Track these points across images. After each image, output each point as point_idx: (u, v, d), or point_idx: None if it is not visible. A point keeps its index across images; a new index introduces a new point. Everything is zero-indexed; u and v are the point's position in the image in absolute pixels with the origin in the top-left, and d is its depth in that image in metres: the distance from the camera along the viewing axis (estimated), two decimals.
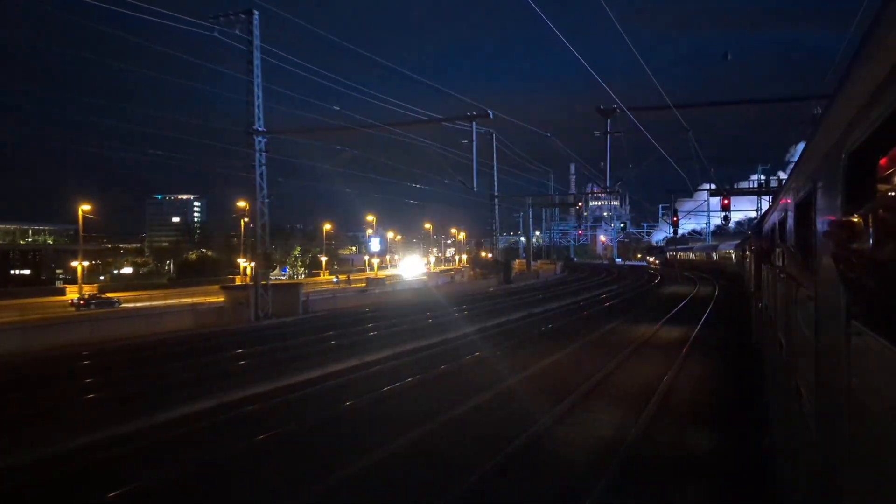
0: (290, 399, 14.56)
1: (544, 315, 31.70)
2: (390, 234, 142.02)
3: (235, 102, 33.77)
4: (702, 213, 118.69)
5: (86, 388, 16.09)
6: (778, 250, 6.14)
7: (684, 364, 17.25)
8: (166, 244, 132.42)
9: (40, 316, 35.54)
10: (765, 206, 41.60)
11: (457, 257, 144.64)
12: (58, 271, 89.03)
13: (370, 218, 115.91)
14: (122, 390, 15.71)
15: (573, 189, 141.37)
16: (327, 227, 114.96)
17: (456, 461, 9.78)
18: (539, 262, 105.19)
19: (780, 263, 5.71)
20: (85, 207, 73.42)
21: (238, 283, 62.68)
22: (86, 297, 55.85)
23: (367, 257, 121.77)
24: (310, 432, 11.88)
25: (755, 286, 13.50)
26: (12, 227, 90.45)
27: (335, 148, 39.65)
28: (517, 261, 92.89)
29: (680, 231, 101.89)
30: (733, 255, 51.06)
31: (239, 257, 78.66)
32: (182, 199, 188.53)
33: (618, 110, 27.62)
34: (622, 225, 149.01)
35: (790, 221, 4.40)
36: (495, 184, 62.66)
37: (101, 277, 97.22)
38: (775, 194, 24.28)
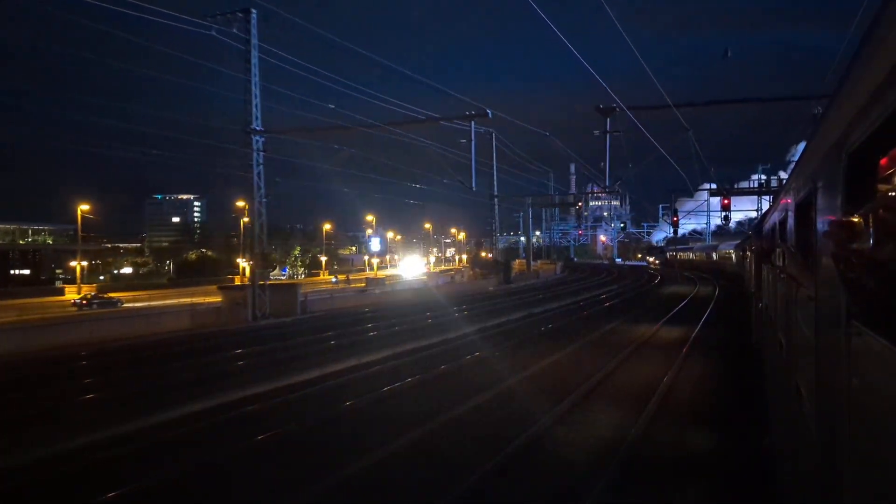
0: (289, 399, 14.56)
1: (544, 315, 31.70)
2: (390, 234, 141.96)
3: (235, 102, 33.82)
4: (702, 213, 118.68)
5: (85, 388, 16.08)
6: (778, 250, 6.15)
7: (684, 364, 17.25)
8: (166, 244, 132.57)
9: (41, 316, 35.54)
10: (765, 206, 41.63)
11: (457, 257, 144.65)
12: (57, 271, 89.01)
13: (370, 218, 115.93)
14: (121, 390, 15.73)
15: (573, 189, 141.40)
16: (327, 227, 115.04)
17: (456, 461, 9.78)
18: (539, 262, 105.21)
19: (781, 263, 5.71)
20: (83, 207, 73.50)
21: (237, 283, 62.67)
22: (88, 297, 55.89)
23: (366, 257, 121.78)
24: (310, 432, 11.89)
25: (755, 286, 13.51)
26: (12, 226, 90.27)
27: (334, 147, 39.68)
28: (517, 261, 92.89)
29: (680, 231, 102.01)
30: (733, 255, 51.09)
31: (239, 257, 78.64)
32: (182, 199, 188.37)
33: (617, 109, 27.63)
34: (622, 225, 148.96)
35: (790, 221, 4.41)
36: (495, 184, 62.71)
37: (101, 277, 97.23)
38: (775, 194, 24.31)
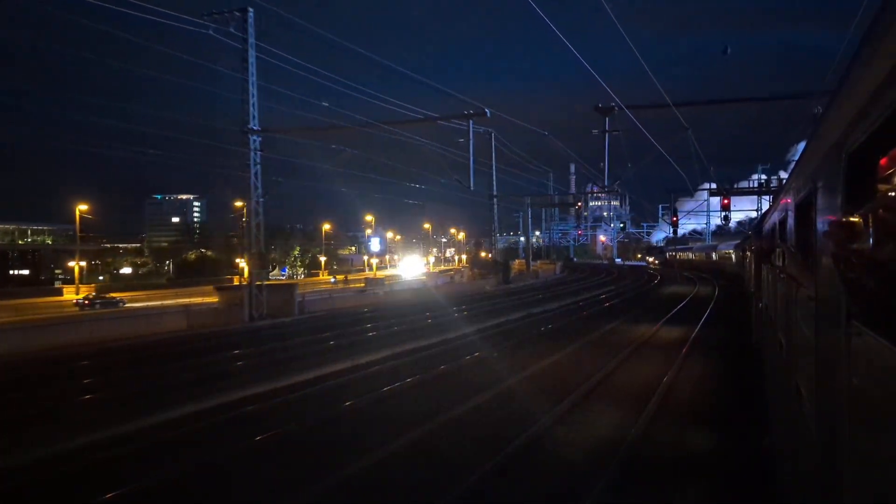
0: (289, 399, 14.56)
1: (544, 315, 31.69)
2: (390, 234, 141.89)
3: (235, 102, 33.77)
4: (702, 213, 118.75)
5: (85, 388, 16.09)
6: (778, 250, 6.15)
7: (684, 364, 17.25)
8: (166, 244, 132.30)
9: (42, 315, 35.53)
10: (765, 206, 41.62)
11: (456, 257, 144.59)
12: (57, 271, 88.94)
13: (369, 218, 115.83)
14: (121, 390, 15.73)
15: (573, 189, 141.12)
16: (327, 227, 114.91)
17: (456, 461, 9.78)
18: (538, 262, 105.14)
19: (781, 263, 5.71)
20: (82, 207, 73.40)
21: (237, 283, 62.66)
22: (90, 297, 55.99)
23: (366, 257, 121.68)
24: (310, 432, 11.89)
25: (755, 286, 13.51)
26: (11, 227, 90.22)
27: (334, 147, 39.65)
28: (517, 261, 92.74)
29: (680, 231, 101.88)
30: (733, 255, 51.09)
31: (238, 257, 78.59)
32: (182, 199, 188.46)
33: (616, 109, 27.64)
34: (622, 225, 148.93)
35: (790, 221, 4.41)
36: (494, 183, 62.60)
37: (101, 278, 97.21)
38: (775, 194, 24.31)
